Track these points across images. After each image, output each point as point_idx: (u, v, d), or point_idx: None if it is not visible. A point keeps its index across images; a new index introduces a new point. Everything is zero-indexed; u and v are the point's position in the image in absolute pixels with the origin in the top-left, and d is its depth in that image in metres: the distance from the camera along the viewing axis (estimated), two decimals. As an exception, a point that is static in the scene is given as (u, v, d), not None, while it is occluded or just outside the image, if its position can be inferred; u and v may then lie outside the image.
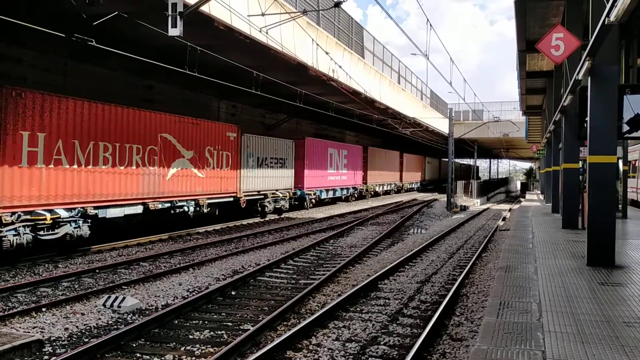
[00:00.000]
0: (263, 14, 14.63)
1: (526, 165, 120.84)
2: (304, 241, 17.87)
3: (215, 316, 9.11)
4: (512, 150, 79.04)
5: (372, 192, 43.18)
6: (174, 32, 9.63)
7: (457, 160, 76.51)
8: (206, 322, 8.71)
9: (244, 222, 23.51)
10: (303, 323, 8.01)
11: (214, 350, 7.31)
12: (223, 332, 8.16)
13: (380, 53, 31.15)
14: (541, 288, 7.90)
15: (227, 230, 20.85)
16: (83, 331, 8.15)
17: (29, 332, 7.79)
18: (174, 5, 9.58)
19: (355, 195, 39.04)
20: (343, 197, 36.98)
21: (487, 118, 51.15)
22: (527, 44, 19.90)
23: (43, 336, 7.69)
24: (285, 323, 8.57)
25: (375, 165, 43.54)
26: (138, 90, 21.24)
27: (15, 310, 9.05)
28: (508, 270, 9.48)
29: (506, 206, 40.89)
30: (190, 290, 10.77)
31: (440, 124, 46.99)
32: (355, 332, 8.06)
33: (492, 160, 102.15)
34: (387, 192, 48.36)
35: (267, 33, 15.29)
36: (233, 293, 10.67)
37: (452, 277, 12.31)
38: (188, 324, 8.62)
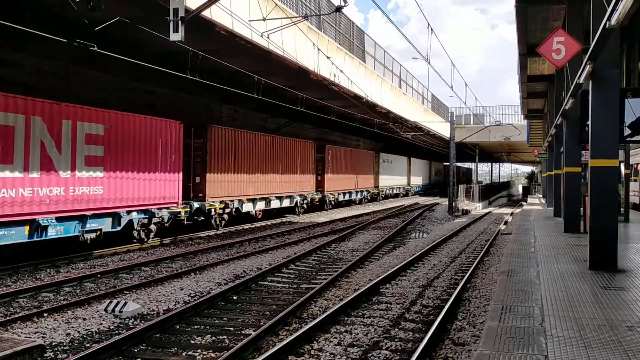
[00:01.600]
0: (264, 19, 14.66)
1: (528, 169, 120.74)
2: (306, 245, 17.85)
3: (217, 321, 9.09)
4: (514, 154, 79.00)
5: (228, 213, 22.10)
6: (175, 37, 9.64)
7: (435, 162, 70.58)
8: (208, 327, 8.69)
9: (245, 226, 23.49)
10: (305, 328, 8.00)
11: (216, 355, 7.30)
12: (225, 337, 8.15)
13: (382, 57, 31.19)
14: (543, 292, 7.88)
15: (228, 235, 20.83)
16: (85, 336, 8.14)
17: (30, 337, 7.79)
18: (176, 10, 9.59)
19: (151, 225, 17.59)
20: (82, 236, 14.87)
21: (489, 122, 51.17)
22: (528, 48, 19.89)
23: (44, 341, 7.68)
24: (287, 328, 8.56)
25: (240, 164, 22.95)
26: (139, 95, 21.27)
27: (16, 315, 9.06)
28: (510, 275, 9.46)
29: (508, 210, 40.83)
30: (191, 295, 10.76)
31: (442, 128, 47.00)
32: (357, 336, 8.05)
33: (493, 164, 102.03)
34: (289, 210, 30.07)
35: (268, 38, 15.31)
36: (235, 298, 10.66)
37: (454, 281, 12.29)
38: (190, 329, 8.61)
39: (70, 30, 12.73)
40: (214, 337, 8.11)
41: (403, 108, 35.32)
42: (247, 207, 24.03)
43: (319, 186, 32.58)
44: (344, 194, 36.86)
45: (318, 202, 32.43)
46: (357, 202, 40.69)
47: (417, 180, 60.64)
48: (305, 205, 30.42)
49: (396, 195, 51.93)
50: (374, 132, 37.04)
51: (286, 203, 27.97)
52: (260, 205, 25.21)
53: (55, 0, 11.36)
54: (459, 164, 70.77)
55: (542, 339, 5.77)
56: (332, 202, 34.59)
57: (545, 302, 7.30)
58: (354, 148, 42.39)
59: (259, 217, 25.57)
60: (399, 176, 52.74)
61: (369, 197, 42.71)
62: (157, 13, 11.65)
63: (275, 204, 26.69)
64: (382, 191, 46.52)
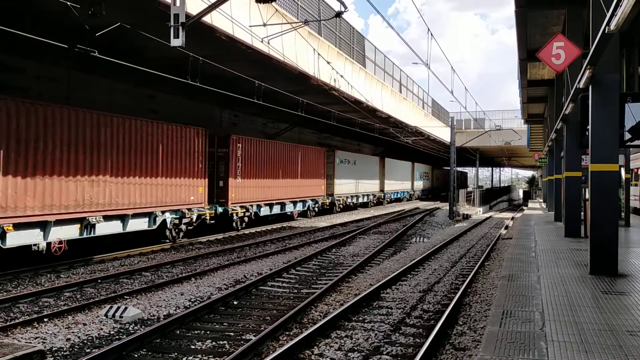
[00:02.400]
0: (265, 25, 14.69)
1: (528, 173, 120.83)
2: (306, 250, 17.84)
3: (217, 326, 9.09)
4: (514, 158, 79.07)
5: None
6: (176, 42, 9.66)
7: (420, 164, 61.04)
8: (208, 332, 8.69)
9: (246, 231, 23.48)
10: (305, 333, 7.99)
11: (216, 360, 7.29)
12: (225, 342, 8.14)
13: (382, 62, 31.24)
14: (544, 297, 7.87)
15: (229, 240, 20.82)
16: (85, 341, 8.14)
17: (30, 343, 7.78)
18: (176, 16, 9.61)
19: None
20: None
21: (489, 126, 51.20)
22: (528, 53, 19.94)
23: (45, 347, 7.68)
24: (287, 333, 8.55)
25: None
26: (141, 100, 21.31)
27: (17, 320, 9.05)
28: (511, 279, 9.45)
29: (508, 214, 40.83)
30: (192, 300, 10.75)
31: (442, 133, 47.04)
32: (357, 341, 8.03)
33: (494, 168, 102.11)
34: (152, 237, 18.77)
35: (268, 43, 15.35)
36: (235, 303, 10.65)
37: (455, 286, 12.28)
38: (190, 334, 8.61)
39: (71, 35, 12.75)
40: (214, 342, 8.10)
41: (403, 113, 35.36)
42: (21, 238, 13.18)
43: (221, 196, 22.15)
44: (270, 205, 25.92)
45: (212, 221, 21.05)
46: (296, 215, 29.91)
47: (396, 186, 50.77)
48: (183, 227, 19.35)
49: (364, 205, 42.50)
50: (375, 136, 37.02)
51: (135, 225, 16.90)
52: (64, 233, 14.37)
53: (56, 6, 11.39)
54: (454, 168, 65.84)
55: (543, 343, 5.76)
56: (245, 219, 23.64)
57: (546, 306, 7.29)
58: (295, 143, 30.97)
59: (59, 253, 14.35)
60: (367, 180, 42.14)
61: (316, 209, 31.95)
62: (158, 19, 11.68)
63: (105, 228, 15.60)
64: (340, 200, 35.80)
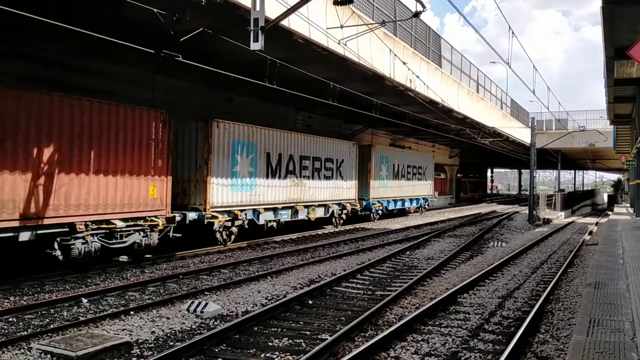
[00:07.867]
0: (342, 27, 14.76)
1: (614, 176, 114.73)
2: (379, 252, 17.76)
3: (293, 324, 9.21)
4: (599, 161, 75.21)
5: None
6: (255, 46, 9.89)
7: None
8: (285, 330, 8.82)
9: (319, 232, 23.65)
10: (381, 335, 7.95)
11: (293, 358, 7.40)
12: (301, 340, 8.24)
13: (458, 62, 30.59)
14: (634, 306, 7.47)
15: (302, 240, 21.05)
16: (168, 335, 8.47)
17: (118, 334, 8.19)
18: (256, 20, 9.85)
19: None
20: None
21: (572, 127, 48.95)
22: (616, 51, 18.91)
23: (131, 338, 8.06)
24: (362, 334, 8.54)
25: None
26: (219, 103, 21.94)
27: (105, 312, 9.55)
28: (597, 287, 9.03)
29: (592, 219, 38.95)
30: (268, 298, 10.96)
31: (521, 134, 45.48)
32: (434, 346, 7.92)
33: (577, 171, 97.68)
34: None
35: (345, 45, 15.40)
36: (310, 302, 10.75)
37: (536, 292, 11.84)
38: (267, 331, 8.77)
39: (154, 40, 13.28)
40: (290, 340, 8.22)
41: (480, 113, 34.47)
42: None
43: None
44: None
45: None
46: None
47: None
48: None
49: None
50: (450, 137, 36.34)
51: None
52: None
53: (143, 13, 11.91)
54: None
55: (635, 355, 5.47)
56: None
57: (637, 316, 6.91)
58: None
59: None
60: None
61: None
62: (238, 23, 11.98)
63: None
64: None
